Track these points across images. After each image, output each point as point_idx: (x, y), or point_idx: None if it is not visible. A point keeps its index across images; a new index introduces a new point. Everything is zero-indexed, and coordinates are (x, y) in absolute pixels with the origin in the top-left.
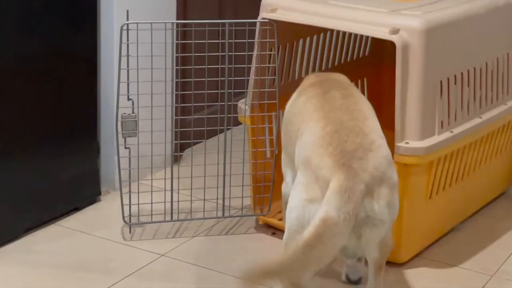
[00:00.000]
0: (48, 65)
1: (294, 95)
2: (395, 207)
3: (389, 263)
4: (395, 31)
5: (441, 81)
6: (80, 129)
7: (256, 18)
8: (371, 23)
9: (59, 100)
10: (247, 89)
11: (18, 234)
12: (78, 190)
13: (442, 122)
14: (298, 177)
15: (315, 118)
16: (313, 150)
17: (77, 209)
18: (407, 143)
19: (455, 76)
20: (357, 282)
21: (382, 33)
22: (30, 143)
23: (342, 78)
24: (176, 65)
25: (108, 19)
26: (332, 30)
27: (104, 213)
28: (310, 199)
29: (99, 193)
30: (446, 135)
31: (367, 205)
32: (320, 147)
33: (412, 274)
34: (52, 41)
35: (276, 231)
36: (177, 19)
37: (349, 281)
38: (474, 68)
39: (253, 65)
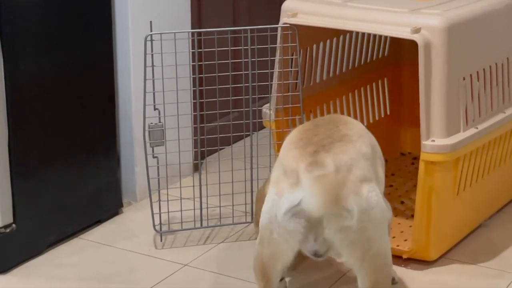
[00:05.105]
0: (66, 78)
1: None
2: (365, 199)
3: (417, 261)
4: (417, 30)
5: (464, 78)
6: (99, 141)
7: (271, 24)
8: (392, 23)
9: (77, 113)
10: (270, 94)
11: (42, 249)
12: (100, 202)
13: (466, 118)
14: (271, 174)
15: (295, 129)
16: (284, 147)
17: (99, 221)
18: (433, 140)
19: (477, 72)
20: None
21: (404, 33)
22: (50, 158)
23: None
24: (198, 74)
25: (124, 30)
26: (351, 32)
27: (126, 225)
28: (278, 193)
29: (121, 205)
30: (471, 131)
31: None
32: (290, 144)
33: (436, 273)
34: (69, 54)
35: None
36: (192, 28)
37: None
38: (496, 64)
39: (276, 69)
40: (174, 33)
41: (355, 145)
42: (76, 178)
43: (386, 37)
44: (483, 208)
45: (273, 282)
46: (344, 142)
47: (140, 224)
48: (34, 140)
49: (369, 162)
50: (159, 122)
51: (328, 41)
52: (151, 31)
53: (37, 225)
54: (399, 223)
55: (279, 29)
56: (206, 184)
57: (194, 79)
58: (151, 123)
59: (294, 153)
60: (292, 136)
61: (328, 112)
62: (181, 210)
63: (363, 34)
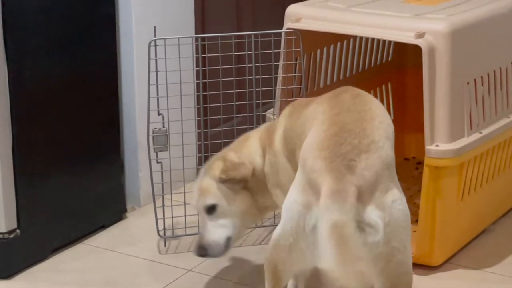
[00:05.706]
0: (70, 83)
1: (290, 110)
2: (388, 212)
3: (422, 266)
4: (421, 35)
5: (468, 83)
6: (103, 146)
7: (275, 29)
8: (396, 28)
9: (81, 118)
10: (274, 99)
11: (46, 254)
12: (104, 208)
13: (471, 123)
14: (296, 177)
15: (320, 120)
16: (310, 152)
17: (103, 227)
18: (437, 145)
19: (481, 77)
20: None
21: (408, 38)
22: (54, 163)
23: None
24: (202, 79)
25: (128, 36)
26: (355, 37)
27: (130, 230)
28: (304, 204)
29: (125, 210)
30: (475, 136)
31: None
32: (316, 150)
33: (440, 279)
34: (73, 59)
35: None
36: (196, 33)
37: None
38: (500, 68)
39: (280, 74)
40: (178, 38)
41: (381, 154)
42: (80, 183)
43: (390, 42)
44: (488, 213)
45: (283, 283)
46: (370, 153)
47: (144, 229)
48: (38, 145)
49: (393, 167)
50: (163, 127)
51: (332, 46)
52: (155, 36)
53: (41, 230)
54: None
55: (283, 34)
56: None
57: (197, 84)
58: (155, 128)
59: (320, 165)
60: (316, 137)
61: None
62: (185, 215)
63: (367, 39)
